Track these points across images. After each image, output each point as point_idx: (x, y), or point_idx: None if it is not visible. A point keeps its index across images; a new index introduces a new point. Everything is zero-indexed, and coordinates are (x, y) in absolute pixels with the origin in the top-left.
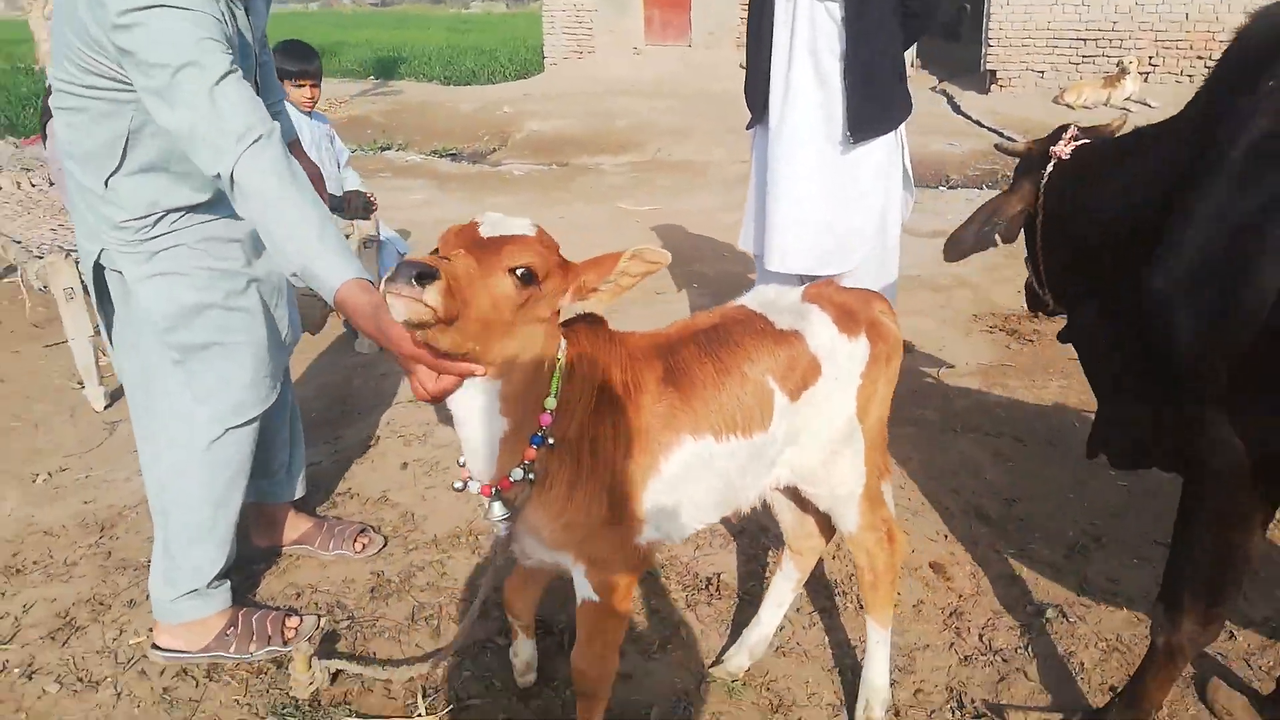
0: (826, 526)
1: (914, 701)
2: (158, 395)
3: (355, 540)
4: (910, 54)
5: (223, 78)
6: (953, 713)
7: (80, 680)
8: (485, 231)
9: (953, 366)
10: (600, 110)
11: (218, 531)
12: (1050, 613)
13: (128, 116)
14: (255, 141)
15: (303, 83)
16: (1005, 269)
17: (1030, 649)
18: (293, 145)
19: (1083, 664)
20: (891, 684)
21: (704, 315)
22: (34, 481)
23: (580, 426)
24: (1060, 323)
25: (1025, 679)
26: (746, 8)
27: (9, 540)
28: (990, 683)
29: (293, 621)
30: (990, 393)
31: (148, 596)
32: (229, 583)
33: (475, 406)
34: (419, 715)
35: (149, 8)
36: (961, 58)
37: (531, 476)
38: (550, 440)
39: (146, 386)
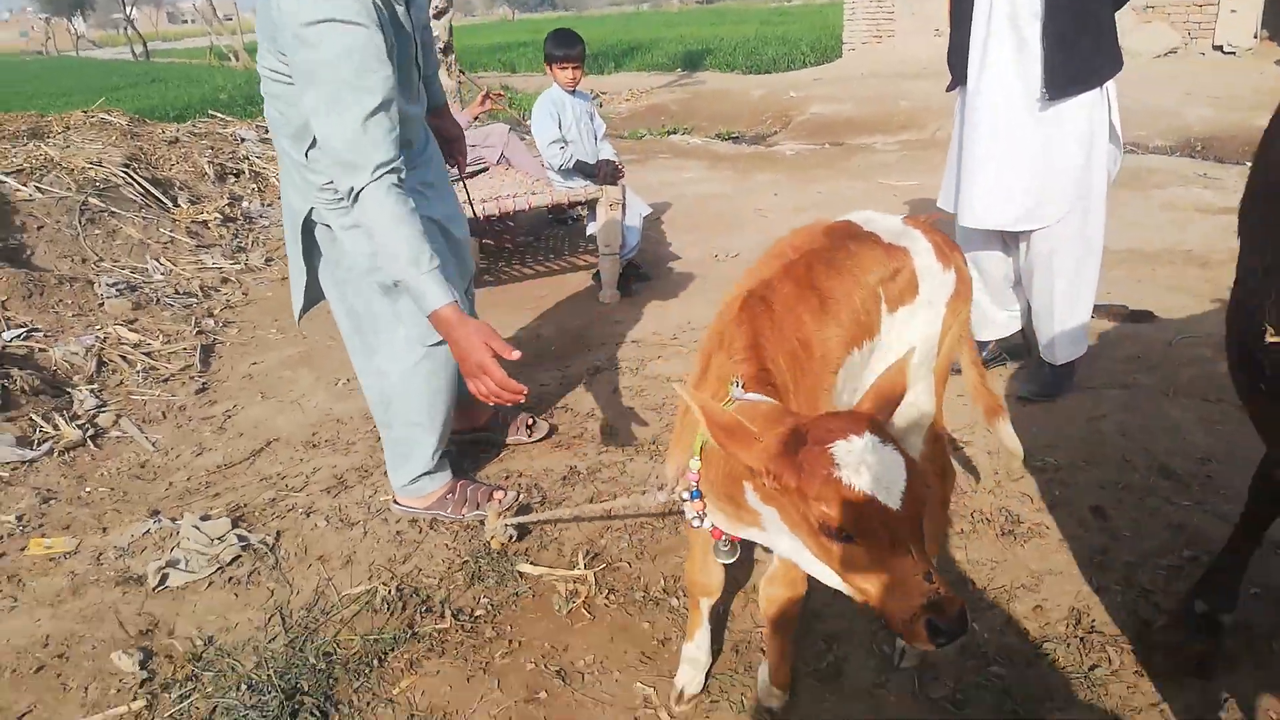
0: None
1: (1032, 616)
2: (368, 328)
3: (523, 426)
4: (1255, 23)
5: (377, 109)
6: (1068, 629)
7: (341, 520)
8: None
9: (1191, 336)
10: (886, 93)
11: (435, 428)
12: (1205, 558)
13: None
14: (386, 174)
15: (566, 65)
16: None
17: (1172, 588)
18: (442, 109)
19: None
20: (1004, 602)
21: (816, 228)
22: (336, 384)
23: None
24: None
25: (1158, 611)
26: None
27: (312, 424)
28: (1119, 609)
29: (498, 494)
30: (1222, 363)
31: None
32: (448, 461)
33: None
34: (577, 568)
35: (323, 22)
36: None
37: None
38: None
39: (357, 320)
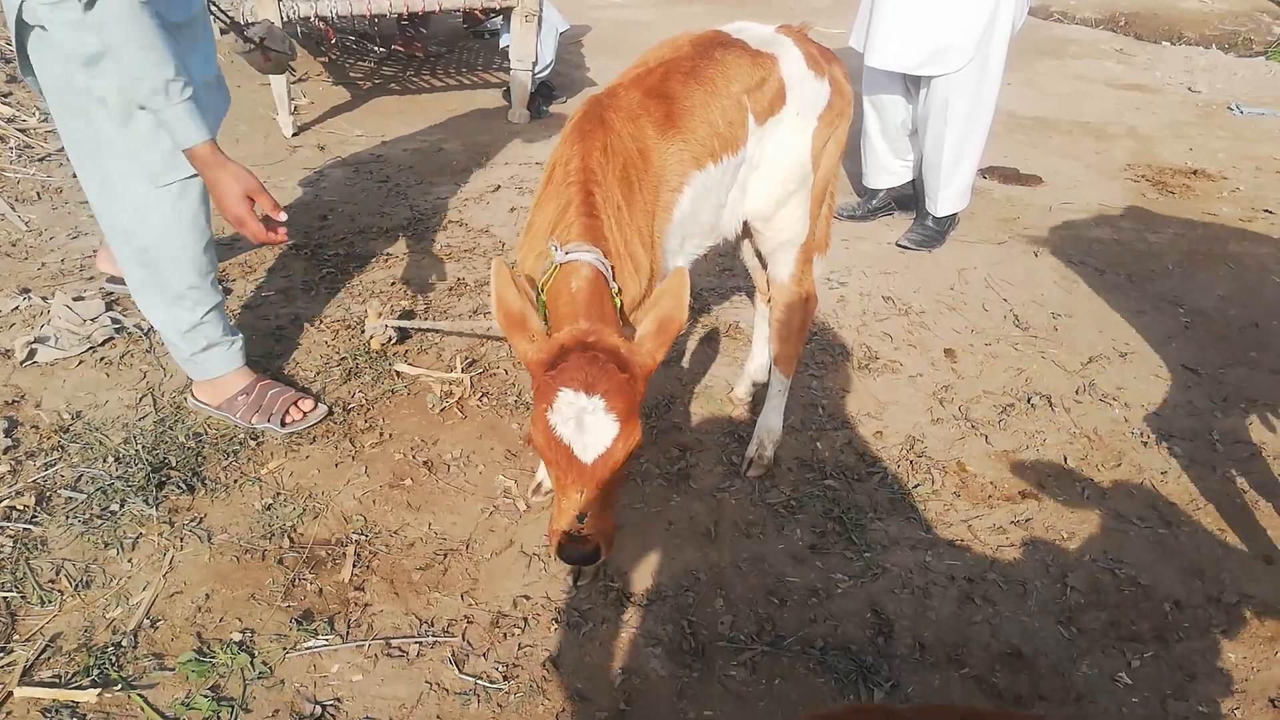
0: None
1: (872, 440)
2: (96, 153)
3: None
4: None
5: None
6: (901, 452)
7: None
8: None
9: (1069, 203)
10: None
11: (199, 261)
12: (1036, 400)
13: None
14: None
15: None
16: (1191, 128)
17: (1002, 424)
18: None
19: (1045, 441)
20: (848, 426)
21: (683, 37)
22: None
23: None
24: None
25: (985, 443)
26: None
27: None
28: (949, 440)
29: (305, 404)
30: (1094, 229)
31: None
32: (239, 344)
33: None
34: (454, 372)
35: None
36: None
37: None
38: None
39: (89, 144)
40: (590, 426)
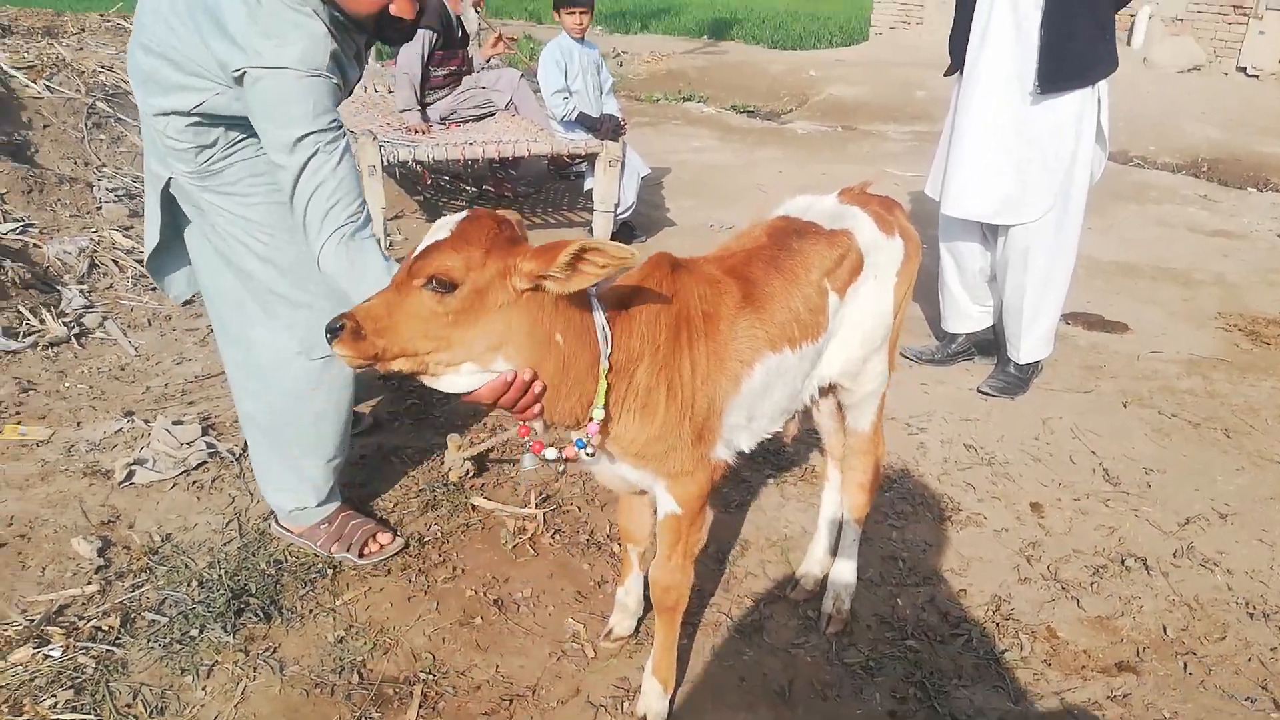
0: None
1: (955, 598)
2: (243, 313)
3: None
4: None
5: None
6: (987, 613)
7: None
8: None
9: (1158, 352)
10: (906, 80)
11: (323, 452)
12: (1131, 563)
13: (212, 89)
14: (337, 229)
15: (573, 10)
16: (1279, 274)
17: (1094, 586)
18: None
19: (1142, 608)
20: (930, 582)
21: (757, 228)
22: None
23: (649, 378)
24: None
25: (1077, 607)
26: None
27: None
28: (1038, 601)
29: (384, 537)
30: (1185, 379)
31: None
32: (337, 493)
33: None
34: (528, 507)
35: (272, 69)
36: None
37: (562, 469)
38: (590, 450)
39: (236, 302)
40: (437, 232)
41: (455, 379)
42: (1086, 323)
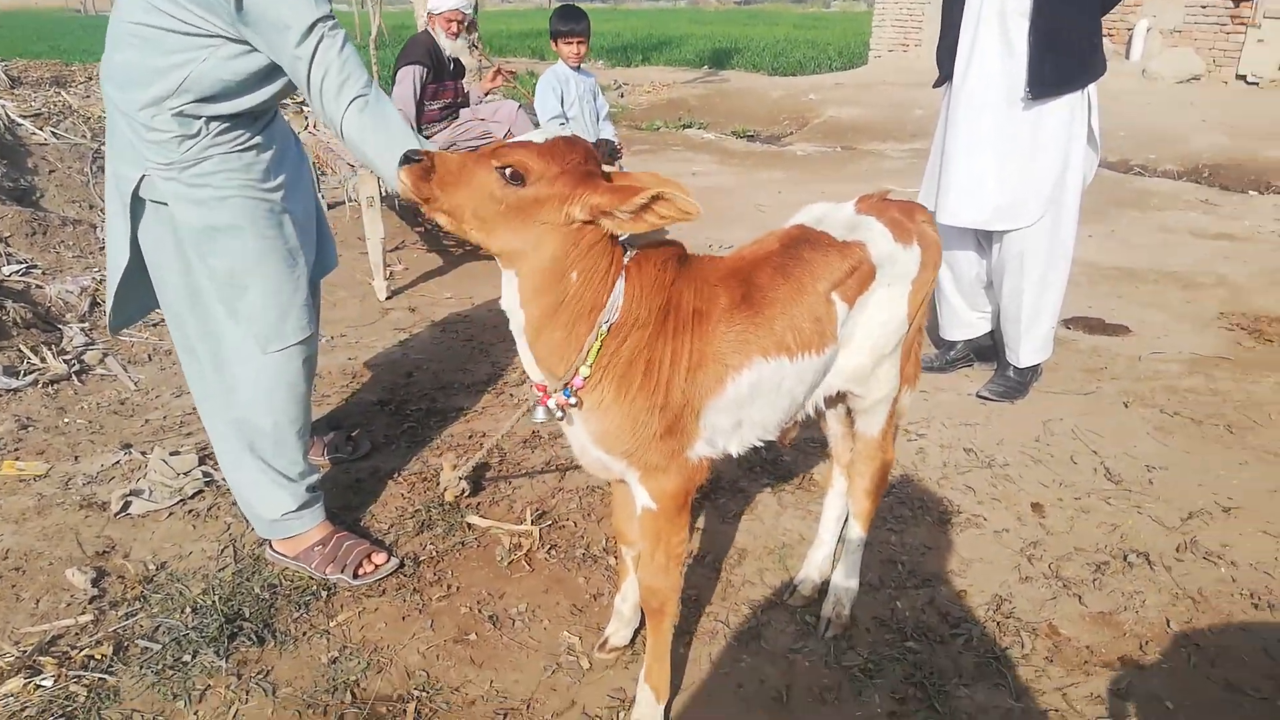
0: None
1: (956, 599)
2: (213, 332)
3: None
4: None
5: (344, 41)
6: (988, 613)
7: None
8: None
9: (1160, 353)
10: (904, 100)
11: (292, 443)
12: (1134, 559)
13: (196, 57)
14: (358, 95)
15: (570, 40)
16: None
17: (1097, 583)
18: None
19: (1145, 602)
20: (930, 584)
21: (771, 236)
22: (320, 340)
23: (634, 348)
24: None
25: (1079, 604)
26: None
27: None
28: (1039, 600)
29: (379, 557)
30: (1187, 378)
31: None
32: (320, 502)
33: (508, 297)
34: (524, 524)
35: None
36: None
37: (560, 415)
38: (575, 401)
39: (201, 320)
40: (535, 134)
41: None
42: (1087, 326)
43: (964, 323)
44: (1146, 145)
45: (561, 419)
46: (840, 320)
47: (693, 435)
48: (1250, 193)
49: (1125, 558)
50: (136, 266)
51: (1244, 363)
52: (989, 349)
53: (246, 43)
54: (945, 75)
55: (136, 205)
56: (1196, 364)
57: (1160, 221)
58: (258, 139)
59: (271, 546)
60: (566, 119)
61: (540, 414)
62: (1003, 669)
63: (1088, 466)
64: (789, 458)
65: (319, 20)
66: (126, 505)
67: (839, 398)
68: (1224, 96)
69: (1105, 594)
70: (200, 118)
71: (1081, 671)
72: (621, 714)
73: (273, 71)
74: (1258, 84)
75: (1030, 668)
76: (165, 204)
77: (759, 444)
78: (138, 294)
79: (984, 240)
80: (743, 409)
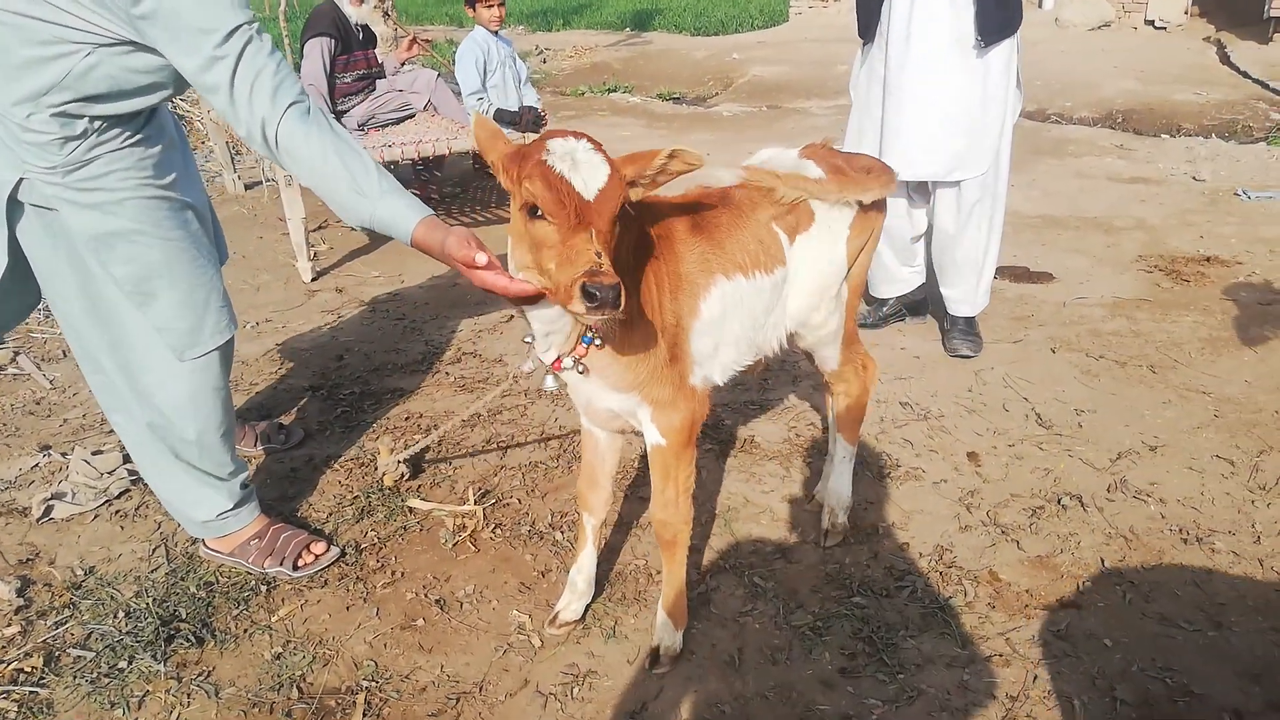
0: None
1: (898, 552)
2: (122, 341)
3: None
4: (1185, 2)
5: (271, 46)
6: (931, 564)
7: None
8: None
9: (1083, 298)
10: (825, 57)
11: (220, 445)
12: (1067, 501)
13: (78, 51)
14: (291, 104)
15: (491, 3)
16: (1199, 215)
17: (1033, 528)
18: None
19: (1080, 543)
20: (873, 539)
21: (700, 186)
22: (244, 327)
23: (631, 280)
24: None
25: (1017, 549)
26: None
27: None
28: (979, 548)
29: (318, 547)
30: (1110, 321)
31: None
32: (254, 493)
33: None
34: (467, 504)
35: None
36: (1244, 7)
37: (581, 369)
38: (597, 340)
39: (104, 330)
40: (585, 162)
41: None
42: (1013, 275)
43: (896, 278)
44: (1061, 93)
45: (583, 372)
46: (785, 247)
47: (689, 360)
48: (1162, 136)
49: (1059, 501)
50: (16, 273)
51: (1163, 303)
52: (921, 304)
53: (134, 42)
54: (872, 31)
55: (14, 209)
56: (1118, 307)
57: (1078, 168)
58: (146, 131)
59: (205, 544)
60: (486, 91)
61: (550, 382)
62: (948, 618)
63: (1019, 413)
64: (729, 421)
65: (242, 24)
66: (49, 510)
67: (793, 338)
68: (1134, 42)
69: (1042, 538)
70: (84, 117)
71: (1023, 615)
72: (576, 690)
73: (171, 71)
74: (1165, 28)
75: (974, 615)
76: (53, 209)
77: (738, 370)
78: (16, 300)
79: (916, 194)
80: (717, 329)
